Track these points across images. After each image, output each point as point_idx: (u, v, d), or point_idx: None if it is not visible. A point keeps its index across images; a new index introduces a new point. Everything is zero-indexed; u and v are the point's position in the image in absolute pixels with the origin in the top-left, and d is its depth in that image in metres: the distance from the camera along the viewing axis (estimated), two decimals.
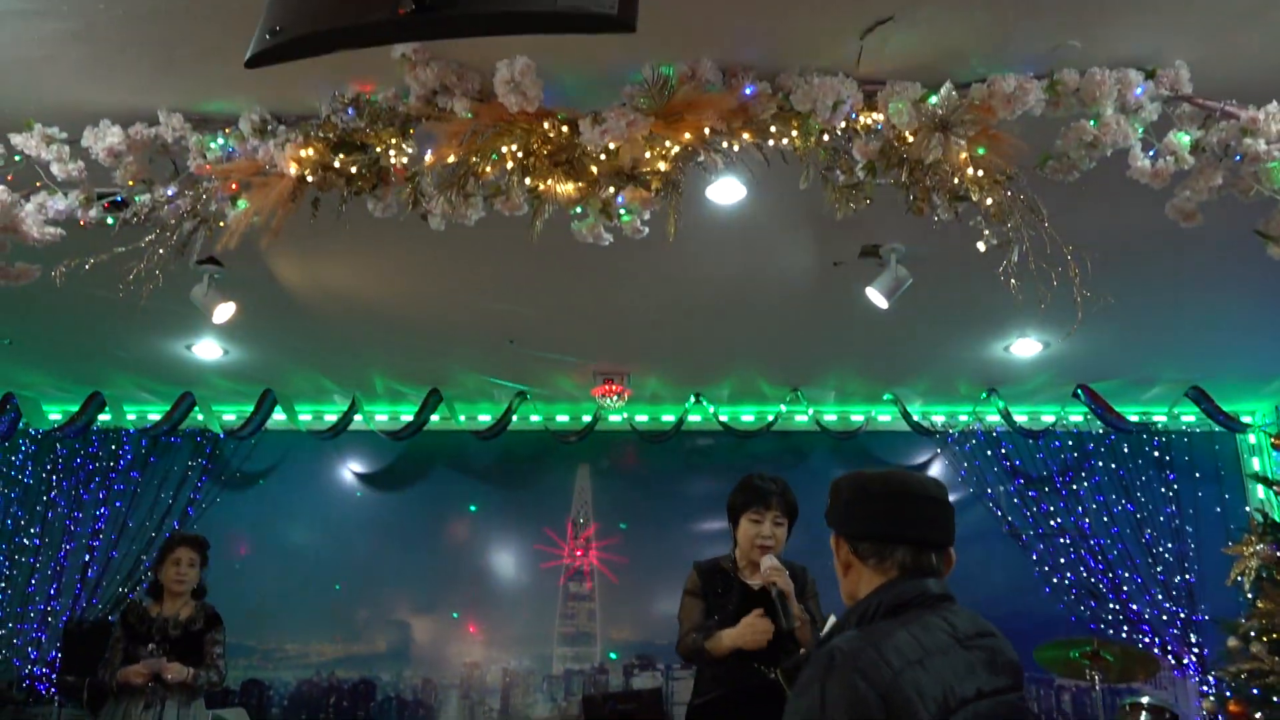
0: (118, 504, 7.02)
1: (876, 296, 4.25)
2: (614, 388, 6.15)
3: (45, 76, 3.22)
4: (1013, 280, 3.19)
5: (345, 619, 6.86)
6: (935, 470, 6.90)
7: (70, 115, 3.32)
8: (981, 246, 3.20)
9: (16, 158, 3.36)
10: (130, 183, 3.38)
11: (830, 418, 6.79)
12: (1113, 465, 6.65)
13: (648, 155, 3.06)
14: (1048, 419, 6.65)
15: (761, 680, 3.24)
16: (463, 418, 6.90)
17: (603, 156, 3.06)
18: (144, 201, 3.41)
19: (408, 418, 6.72)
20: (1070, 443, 6.73)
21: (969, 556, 6.82)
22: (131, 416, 7.01)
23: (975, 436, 6.80)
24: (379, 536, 7.01)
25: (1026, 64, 2.99)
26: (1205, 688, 6.00)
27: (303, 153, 3.14)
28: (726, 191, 3.72)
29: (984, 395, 6.45)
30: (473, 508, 7.06)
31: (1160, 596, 6.34)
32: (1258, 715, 4.43)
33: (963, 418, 6.74)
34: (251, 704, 6.58)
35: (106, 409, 6.71)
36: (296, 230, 3.41)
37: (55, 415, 6.98)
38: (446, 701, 6.71)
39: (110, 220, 3.44)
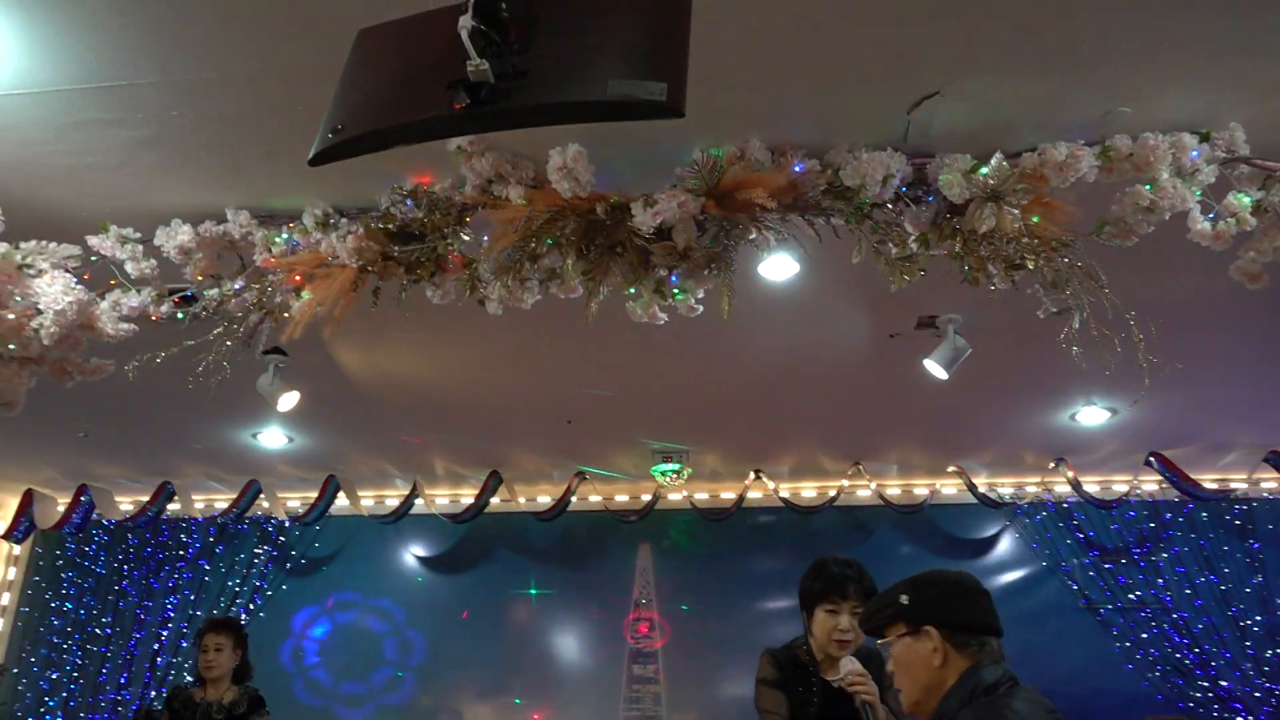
0: (186, 592, 7.11)
1: (935, 368, 4.20)
2: (673, 467, 6.14)
3: (120, 180, 3.37)
4: (1075, 348, 3.13)
5: (411, 706, 6.81)
6: (1005, 543, 6.72)
7: (143, 216, 3.46)
8: (1041, 315, 3.16)
9: (93, 258, 3.50)
10: (199, 278, 3.50)
11: (894, 491, 6.67)
12: (1192, 535, 6.40)
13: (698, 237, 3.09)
14: (1120, 488, 6.46)
15: None
16: (522, 499, 6.91)
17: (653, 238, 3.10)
18: (212, 295, 3.52)
19: (468, 500, 6.74)
20: (1145, 512, 6.51)
21: (1045, 633, 6.68)
22: (199, 505, 7.14)
23: (1046, 508, 6.61)
24: (441, 620, 7.00)
25: (1077, 131, 2.98)
26: None
27: (363, 244, 3.23)
28: (779, 268, 3.73)
29: (1052, 465, 6.29)
30: (533, 590, 7.02)
31: (1251, 672, 6.04)
32: None
33: (1031, 488, 6.57)
34: None
35: (175, 498, 6.85)
36: (358, 319, 3.48)
37: (126, 505, 7.13)
38: None
39: (180, 315, 3.56)
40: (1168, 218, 2.94)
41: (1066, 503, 6.57)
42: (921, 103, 2.90)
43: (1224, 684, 6.04)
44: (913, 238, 3.09)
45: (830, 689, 3.26)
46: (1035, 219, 2.92)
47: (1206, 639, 6.15)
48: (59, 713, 6.86)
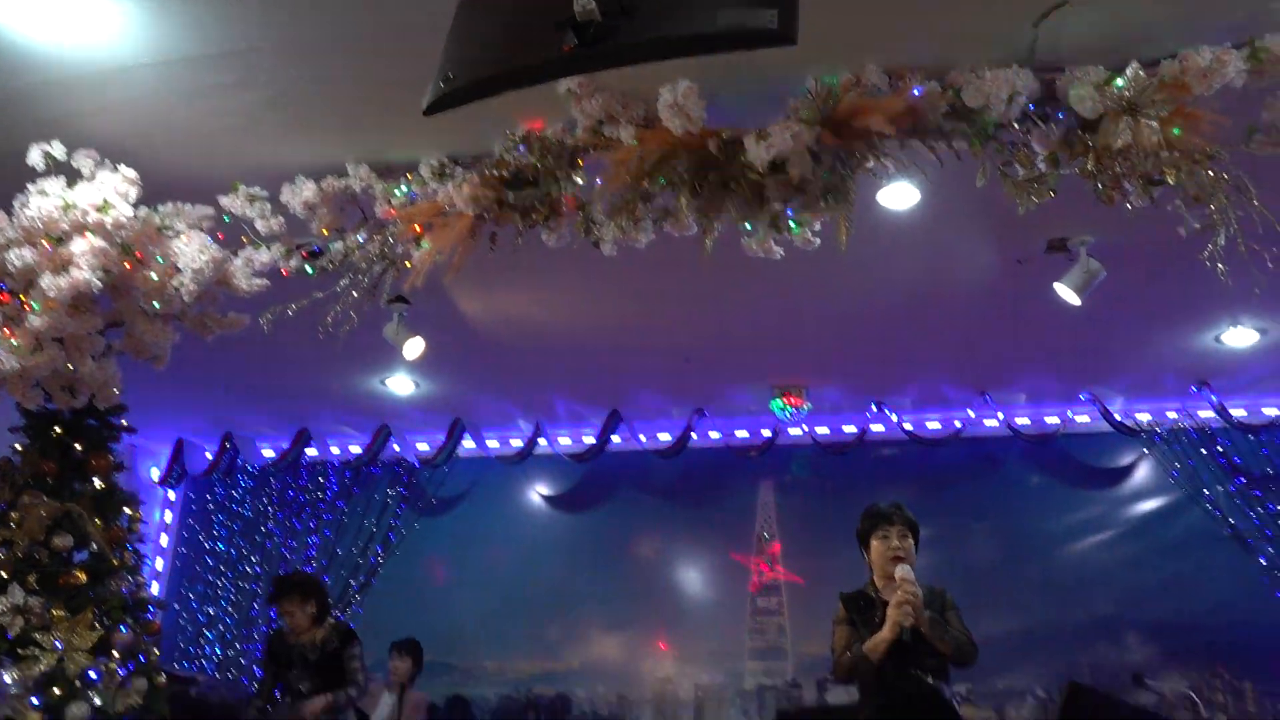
0: (326, 532, 7.47)
1: (1067, 292, 4.04)
2: (793, 400, 6.09)
3: (246, 141, 3.49)
4: (1220, 265, 2.96)
5: (540, 637, 7.05)
6: (1143, 472, 6.48)
7: (269, 174, 3.58)
8: (1182, 232, 2.99)
9: (225, 218, 3.64)
10: (324, 232, 3.62)
11: (1023, 421, 6.47)
12: None
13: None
14: (1270, 412, 6.11)
15: (919, 686, 3.45)
16: (643, 438, 6.98)
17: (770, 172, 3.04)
18: (337, 249, 3.64)
19: (590, 440, 6.85)
20: None
21: (1188, 563, 6.44)
22: (335, 450, 7.46)
23: (1186, 434, 6.33)
24: (568, 556, 7.18)
25: (1222, 33, 2.77)
26: None
27: (478, 192, 3.27)
28: (899, 196, 3.63)
29: (1194, 389, 6.00)
30: (658, 526, 7.12)
31: None
32: None
33: (1171, 414, 6.29)
34: (456, 718, 6.84)
35: (312, 444, 7.18)
36: (477, 265, 3.54)
37: (268, 452, 7.50)
38: (641, 716, 6.78)
39: (309, 268, 3.69)
40: None
41: (1209, 428, 6.27)
42: (1049, 13, 2.74)
43: None
44: (1041, 157, 2.96)
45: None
46: (1176, 131, 2.74)
47: None
48: (216, 644, 7.34)
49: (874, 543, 3.73)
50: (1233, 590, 6.07)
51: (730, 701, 6.70)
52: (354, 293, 3.67)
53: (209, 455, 7.38)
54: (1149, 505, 6.42)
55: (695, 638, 6.88)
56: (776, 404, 6.13)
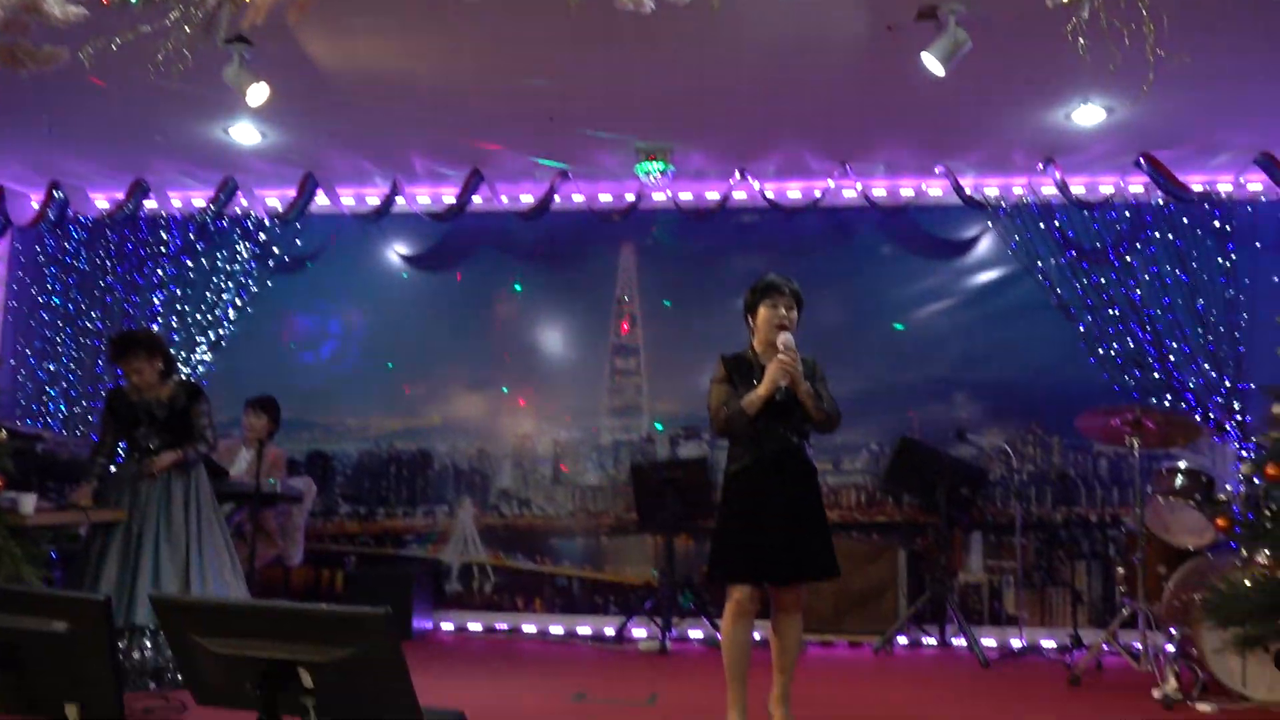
0: (172, 288, 7.20)
1: (933, 62, 4.06)
2: (657, 163, 6.06)
3: None
4: (1081, 40, 3.01)
5: (400, 395, 7.13)
6: (985, 244, 6.81)
7: None
8: (1049, 4, 3.01)
9: None
10: None
11: (879, 193, 6.64)
12: (1170, 236, 6.48)
13: None
14: (1107, 190, 6.45)
15: (786, 443, 3.81)
16: (505, 198, 6.87)
17: None
18: None
19: (450, 199, 6.70)
20: (1128, 214, 6.55)
21: (1016, 330, 6.97)
22: (177, 203, 7.07)
23: (1029, 210, 6.64)
24: (428, 316, 7.16)
25: None
26: (1244, 453, 6.10)
27: None
28: None
29: (1040, 166, 6.25)
30: (518, 287, 7.15)
31: (1207, 366, 6.35)
32: None
33: (1017, 190, 6.56)
34: (317, 473, 6.97)
35: (151, 195, 6.77)
36: (326, 4, 3.28)
37: (102, 203, 7.05)
38: (500, 470, 7.05)
39: None
40: None
41: (1050, 204, 6.60)
42: None
43: (1179, 376, 6.36)
44: None
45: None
46: None
47: (1169, 335, 6.41)
48: (61, 401, 7.14)
49: (762, 310, 3.90)
50: (1053, 355, 6.60)
51: (587, 456, 7.02)
52: (186, 29, 3.37)
53: (35, 205, 6.89)
54: (987, 276, 6.79)
55: (555, 396, 7.09)
56: (643, 166, 6.08)
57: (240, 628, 1.96)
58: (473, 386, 7.15)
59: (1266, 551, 4.38)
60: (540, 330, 7.16)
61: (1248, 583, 4.42)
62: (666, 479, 6.41)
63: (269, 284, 7.21)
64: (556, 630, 6.73)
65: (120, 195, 6.77)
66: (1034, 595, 6.49)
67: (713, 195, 6.71)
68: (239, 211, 7.05)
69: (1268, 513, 4.68)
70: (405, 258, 7.24)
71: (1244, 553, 4.64)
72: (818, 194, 6.56)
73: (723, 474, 3.98)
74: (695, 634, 6.46)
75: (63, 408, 7.14)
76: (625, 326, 7.06)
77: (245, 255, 7.17)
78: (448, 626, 6.83)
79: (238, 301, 7.16)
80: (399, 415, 7.15)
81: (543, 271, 7.13)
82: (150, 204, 6.93)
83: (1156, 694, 4.65)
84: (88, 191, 6.93)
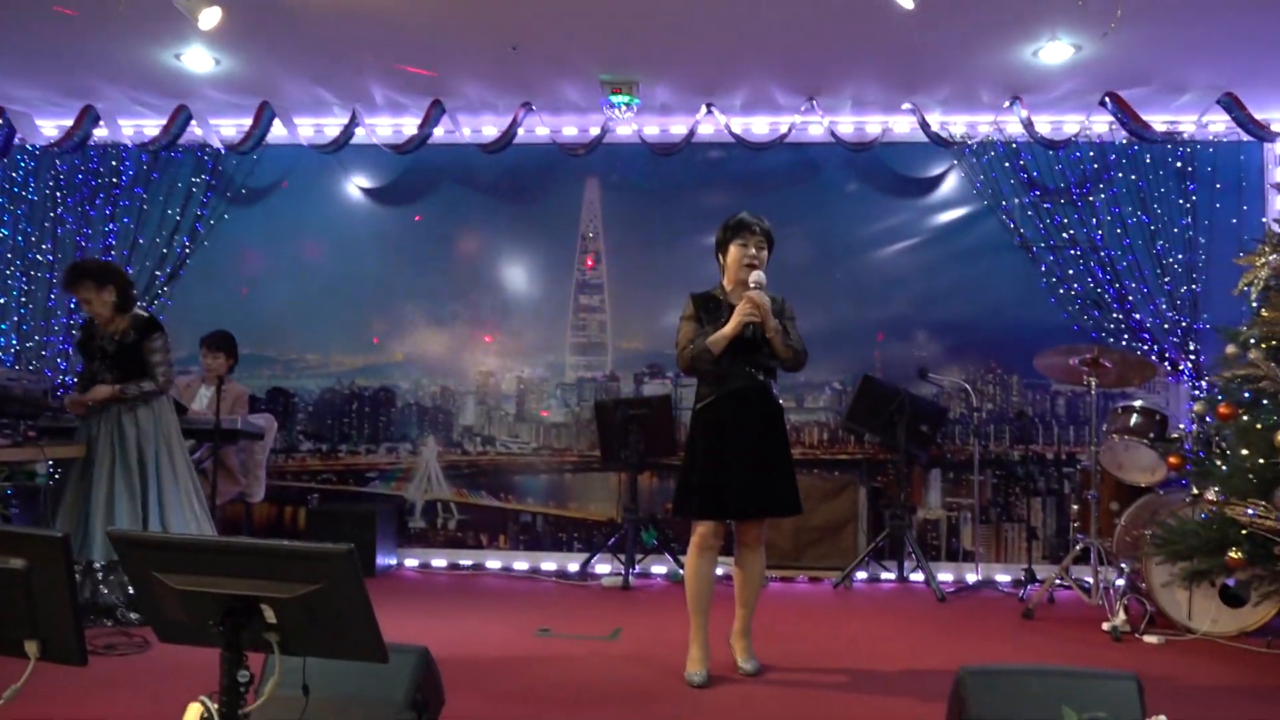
0: (125, 220, 7.04)
1: None
2: (622, 96, 5.97)
3: None
4: None
5: (362, 331, 7.07)
6: (950, 183, 6.81)
7: None
8: None
9: None
10: None
11: (846, 129, 6.61)
12: (1133, 177, 6.53)
13: None
14: (1071, 129, 6.46)
15: (752, 381, 3.88)
16: (467, 131, 6.75)
17: None
18: None
19: (411, 131, 6.57)
20: (1091, 154, 6.58)
21: (978, 269, 7.04)
22: (129, 132, 6.87)
23: (994, 148, 6.64)
24: (390, 251, 7.08)
25: None
26: (1197, 392, 6.23)
27: None
28: None
29: (1006, 104, 6.24)
30: (483, 222, 7.06)
31: (1165, 306, 6.44)
32: (1245, 416, 4.62)
33: (983, 128, 6.55)
34: (278, 410, 6.93)
35: (102, 123, 6.57)
36: None
37: (50, 130, 6.84)
38: (464, 407, 7.04)
39: None
40: None
41: (1015, 143, 6.61)
42: None
43: (1137, 316, 6.45)
44: None
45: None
46: None
47: (1129, 275, 6.49)
48: (12, 335, 7.00)
49: (733, 248, 3.94)
50: (1013, 294, 6.67)
51: (550, 393, 7.02)
52: None
53: None
54: (951, 215, 6.81)
55: (519, 333, 7.06)
56: (617, 99, 5.98)
57: (202, 565, 1.95)
58: (435, 323, 7.09)
59: (1215, 489, 4.50)
60: (504, 266, 7.10)
61: (1197, 519, 4.55)
62: (630, 416, 6.44)
63: (225, 217, 7.08)
64: (520, 567, 6.79)
65: (69, 123, 6.57)
66: (990, 531, 6.64)
67: (678, 130, 6.64)
68: (194, 142, 6.86)
69: (1218, 451, 4.81)
70: (366, 190, 7.12)
71: (1194, 490, 4.77)
72: (784, 128, 6.51)
73: (691, 411, 4.03)
74: (658, 570, 6.55)
75: (14, 341, 7.00)
76: (590, 263, 7.01)
77: (201, 187, 7.02)
78: (411, 563, 6.87)
79: (194, 234, 7.02)
80: (360, 352, 7.10)
81: (506, 206, 7.05)
82: (101, 133, 6.73)
83: (1106, 626, 4.80)
84: (34, 119, 6.71)
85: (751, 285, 3.80)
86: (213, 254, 7.08)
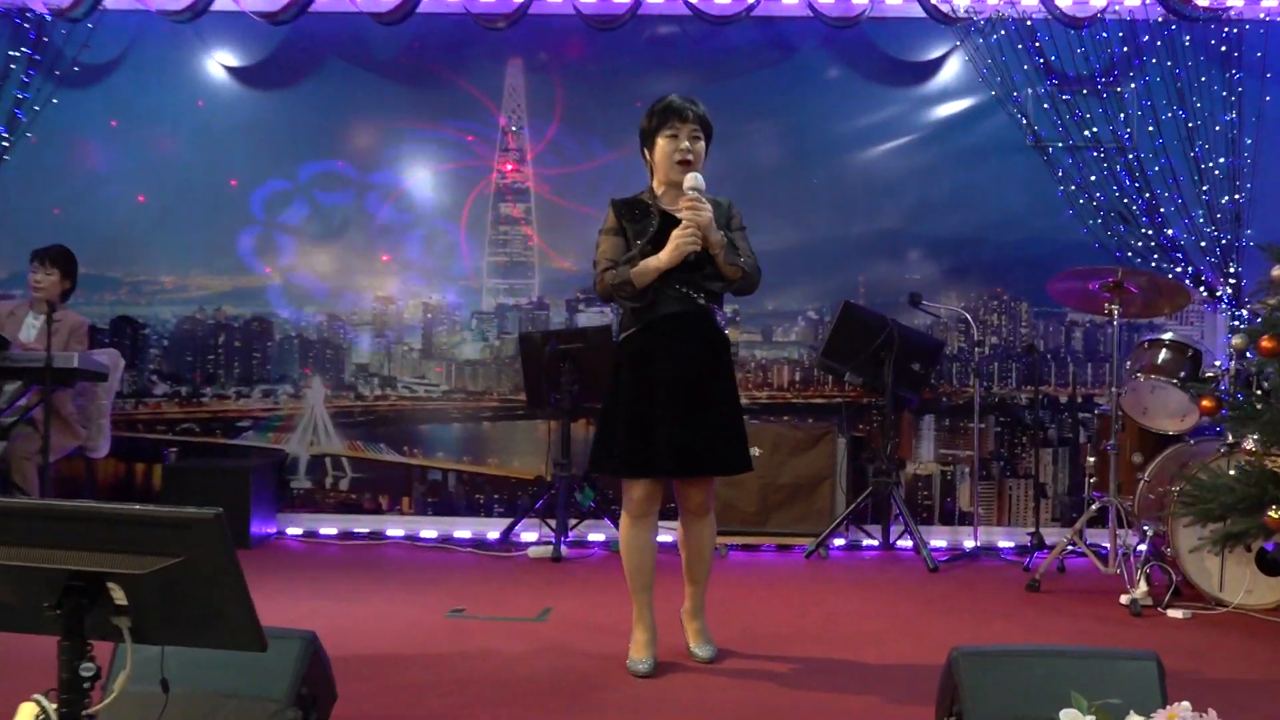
0: None
1: None
2: None
3: None
4: None
5: (229, 247, 6.95)
6: (952, 68, 6.82)
7: None
8: None
9: None
10: None
11: (827, 1, 6.57)
12: (1169, 63, 6.58)
13: None
14: (1097, 3, 6.48)
15: (691, 306, 3.79)
16: None
17: None
18: None
19: None
20: (1121, 34, 6.61)
21: (984, 171, 7.08)
22: None
23: (1005, 26, 6.64)
24: (262, 144, 6.94)
25: None
26: (1237, 322, 6.37)
27: None
28: None
29: None
30: (378, 109, 6.94)
31: (1202, 219, 6.55)
32: None
33: (991, 2, 6.55)
34: (125, 344, 6.81)
35: None
36: None
37: None
38: (358, 341, 6.98)
39: None
40: None
41: (1030, 20, 6.61)
42: None
43: (1169, 231, 6.56)
44: None
45: (669, 219, 3.77)
46: None
47: (1160, 183, 6.57)
48: None
49: (660, 141, 3.84)
50: (1025, 204, 6.74)
51: (465, 324, 6.98)
52: None
53: None
54: (952, 108, 6.83)
55: (424, 250, 6.99)
56: None
57: (34, 534, 1.92)
58: (319, 236, 6.99)
59: (1255, 437, 4.61)
60: (405, 166, 6.99)
61: (1232, 472, 4.66)
62: (562, 352, 6.42)
63: (54, 101, 6.87)
64: (428, 535, 6.81)
65: None
66: (992, 489, 6.79)
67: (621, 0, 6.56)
68: (11, 4, 6.64)
69: (1259, 392, 4.91)
70: (231, 69, 6.94)
71: (1230, 438, 4.90)
72: (750, 1, 6.45)
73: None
74: (596, 537, 6.61)
75: None
76: (512, 164, 6.94)
77: (22, 63, 6.79)
78: (295, 531, 6.86)
79: (13, 121, 6.81)
80: (227, 273, 6.98)
81: (407, 91, 6.93)
82: None
83: (1124, 599, 4.94)
84: None
85: (687, 191, 3.68)
86: (40, 148, 6.89)
